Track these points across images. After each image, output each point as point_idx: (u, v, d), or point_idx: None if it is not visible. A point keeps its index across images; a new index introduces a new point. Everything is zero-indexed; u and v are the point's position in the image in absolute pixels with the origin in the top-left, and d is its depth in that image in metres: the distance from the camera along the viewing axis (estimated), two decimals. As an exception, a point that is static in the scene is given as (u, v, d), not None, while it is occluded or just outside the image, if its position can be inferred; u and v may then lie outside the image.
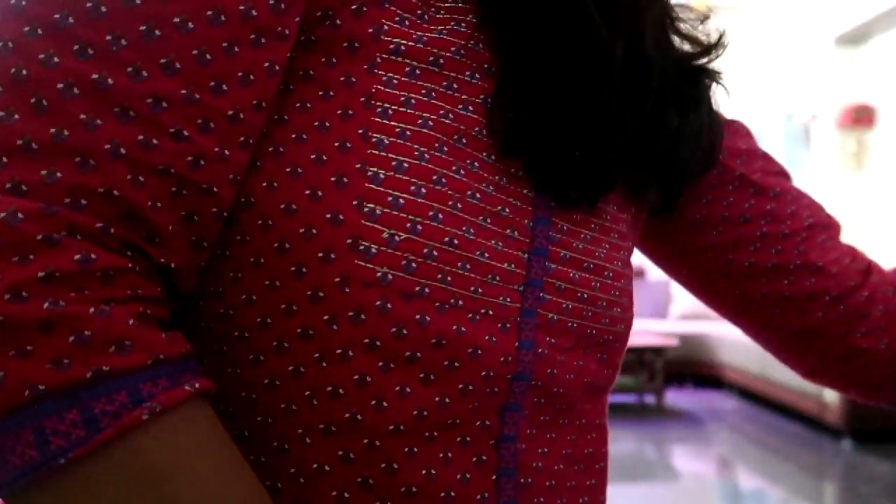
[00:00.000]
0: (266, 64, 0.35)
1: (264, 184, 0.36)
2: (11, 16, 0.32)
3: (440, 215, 0.37)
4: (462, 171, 0.39)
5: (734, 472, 3.97)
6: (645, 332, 5.54)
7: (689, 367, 5.98)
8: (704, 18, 0.51)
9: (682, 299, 6.07)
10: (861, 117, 5.38)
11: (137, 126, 0.31)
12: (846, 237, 0.56)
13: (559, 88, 0.41)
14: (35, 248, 0.29)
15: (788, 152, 5.86)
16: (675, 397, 5.65)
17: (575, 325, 0.43)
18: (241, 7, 0.34)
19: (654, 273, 6.34)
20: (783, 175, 0.57)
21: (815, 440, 4.38)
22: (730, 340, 5.40)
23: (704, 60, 0.51)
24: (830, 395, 4.21)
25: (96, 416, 0.29)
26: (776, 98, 6.27)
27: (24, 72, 0.31)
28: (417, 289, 0.36)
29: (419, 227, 0.36)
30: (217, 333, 0.37)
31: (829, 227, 0.56)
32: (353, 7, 0.37)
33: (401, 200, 0.36)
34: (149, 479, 0.30)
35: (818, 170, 5.70)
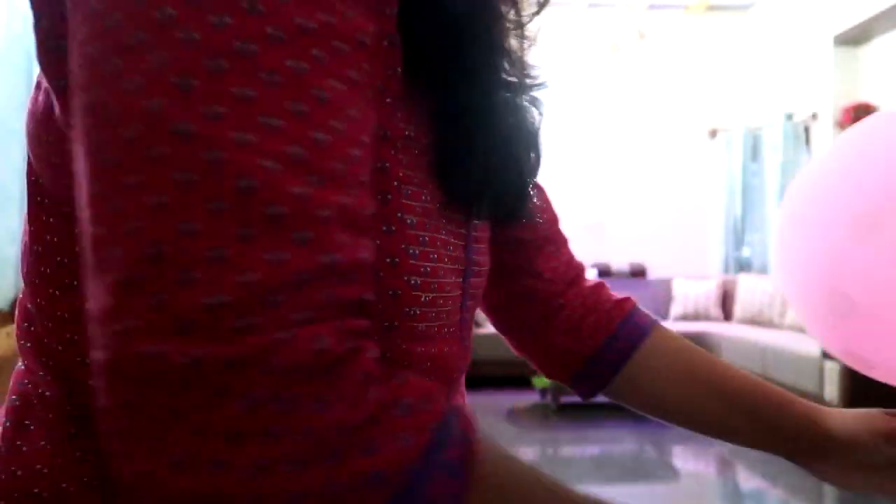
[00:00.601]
0: None
1: None
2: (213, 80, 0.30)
3: (441, 272, 0.46)
4: (444, 231, 0.47)
5: (734, 472, 3.97)
6: (645, 331, 5.54)
7: (689, 366, 5.96)
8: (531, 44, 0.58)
9: (682, 299, 6.08)
10: (861, 117, 5.36)
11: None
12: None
13: (493, 149, 0.48)
14: (347, 362, 0.31)
15: (788, 152, 5.86)
16: (675, 397, 5.63)
17: (467, 318, 0.53)
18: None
19: (655, 273, 6.34)
20: (541, 188, 0.70)
21: (815, 440, 4.38)
22: (730, 340, 5.39)
23: (537, 90, 0.58)
24: (830, 395, 4.21)
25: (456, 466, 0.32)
26: (776, 98, 6.27)
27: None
28: (429, 331, 0.46)
29: (435, 285, 0.45)
30: None
31: (558, 241, 0.71)
32: (388, 100, 0.41)
33: (427, 269, 0.44)
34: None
35: (818, 170, 5.70)
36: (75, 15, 0.32)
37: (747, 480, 3.84)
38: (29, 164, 0.48)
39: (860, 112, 5.37)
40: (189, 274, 0.28)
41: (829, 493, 3.66)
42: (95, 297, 0.30)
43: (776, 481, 3.70)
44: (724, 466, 4.06)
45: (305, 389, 0.29)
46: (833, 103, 5.53)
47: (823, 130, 5.64)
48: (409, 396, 0.32)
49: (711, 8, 6.42)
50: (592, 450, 4.16)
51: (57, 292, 0.45)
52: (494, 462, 0.34)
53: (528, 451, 4.06)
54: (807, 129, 5.86)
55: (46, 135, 0.44)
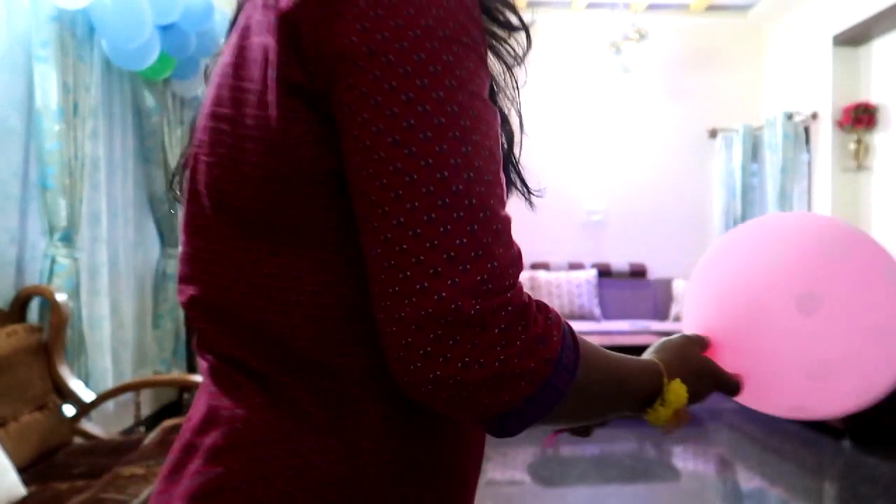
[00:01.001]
0: None
1: None
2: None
3: None
4: None
5: (734, 472, 3.97)
6: (645, 331, 5.54)
7: (689, 366, 5.93)
8: None
9: (682, 299, 6.04)
10: (861, 117, 5.37)
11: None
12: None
13: None
14: (530, 302, 0.55)
15: (788, 152, 5.86)
16: (675, 397, 5.62)
17: None
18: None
19: (655, 273, 6.34)
20: None
21: (815, 440, 4.38)
22: (730, 340, 5.37)
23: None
24: (830, 395, 4.20)
25: (570, 365, 0.55)
26: (776, 98, 6.27)
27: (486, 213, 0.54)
28: None
29: None
30: None
31: None
32: None
33: None
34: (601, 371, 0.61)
35: (818, 170, 5.70)
36: (388, 108, 0.51)
37: (747, 480, 3.84)
38: (231, 196, 0.58)
39: (860, 112, 5.37)
40: (467, 266, 0.51)
41: (829, 493, 3.66)
42: (424, 281, 0.50)
43: (776, 481, 3.70)
44: (724, 466, 4.07)
45: (524, 319, 0.53)
46: (833, 103, 5.53)
47: (823, 130, 5.64)
48: (551, 313, 0.56)
49: (711, 8, 6.42)
50: (592, 450, 4.16)
51: (335, 316, 0.59)
52: (582, 341, 0.58)
53: (528, 450, 4.06)
54: (807, 129, 5.86)
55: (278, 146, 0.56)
